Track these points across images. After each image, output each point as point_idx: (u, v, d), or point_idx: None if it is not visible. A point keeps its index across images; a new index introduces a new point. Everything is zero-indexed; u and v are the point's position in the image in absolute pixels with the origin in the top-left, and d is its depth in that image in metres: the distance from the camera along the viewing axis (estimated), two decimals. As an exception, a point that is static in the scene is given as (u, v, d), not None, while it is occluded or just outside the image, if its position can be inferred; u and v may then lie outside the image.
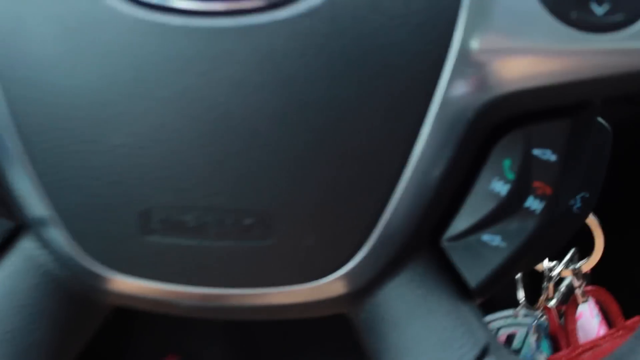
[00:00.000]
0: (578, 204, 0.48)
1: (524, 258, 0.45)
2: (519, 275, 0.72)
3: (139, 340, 0.79)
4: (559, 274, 0.67)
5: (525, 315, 0.69)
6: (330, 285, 0.43)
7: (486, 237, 0.44)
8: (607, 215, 0.67)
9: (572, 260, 0.68)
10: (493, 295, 0.54)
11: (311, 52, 0.39)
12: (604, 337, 0.65)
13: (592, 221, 0.64)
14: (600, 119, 0.47)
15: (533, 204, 0.44)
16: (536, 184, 0.43)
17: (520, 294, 0.71)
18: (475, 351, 0.43)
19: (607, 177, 0.49)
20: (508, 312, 0.70)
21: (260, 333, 0.80)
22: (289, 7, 0.38)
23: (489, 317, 0.69)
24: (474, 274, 0.44)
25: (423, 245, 0.44)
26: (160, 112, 0.39)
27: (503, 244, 0.44)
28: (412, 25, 0.39)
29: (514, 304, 0.71)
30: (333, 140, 0.40)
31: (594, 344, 0.64)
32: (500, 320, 0.69)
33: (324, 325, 0.53)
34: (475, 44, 0.39)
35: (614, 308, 0.68)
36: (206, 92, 0.39)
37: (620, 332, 0.64)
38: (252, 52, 0.39)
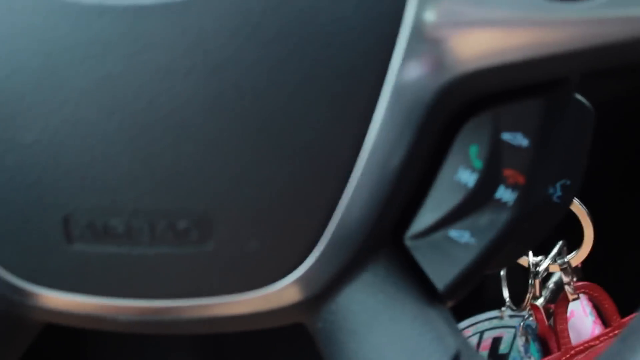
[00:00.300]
0: (558, 192, 0.44)
1: (497, 255, 0.41)
2: (503, 272, 0.68)
3: (97, 352, 0.75)
4: (546, 269, 0.63)
5: (512, 316, 0.65)
6: (281, 292, 0.39)
7: (454, 233, 0.40)
8: (600, 203, 0.63)
9: (560, 254, 0.63)
10: (477, 295, 0.50)
11: (244, 31, 0.34)
12: (598, 337, 0.61)
13: (579, 210, 0.60)
14: (579, 97, 0.43)
15: (504, 194, 0.40)
16: (507, 172, 0.39)
17: (505, 293, 0.67)
18: (445, 360, 0.39)
19: (598, 162, 0.45)
20: (493, 313, 0.66)
21: (228, 341, 0.77)
22: (216, -19, 0.34)
23: (471, 320, 0.65)
24: (441, 275, 0.40)
25: (384, 244, 0.40)
26: (77, 103, 0.35)
27: (473, 241, 0.40)
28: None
29: (500, 303, 0.67)
30: (273, 131, 0.35)
31: (587, 345, 0.59)
32: (485, 323, 0.65)
33: (296, 332, 0.49)
34: (429, 17, 0.35)
35: (609, 305, 0.64)
36: (128, 80, 0.35)
37: (616, 331, 0.59)
38: (178, 33, 0.34)
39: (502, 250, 0.41)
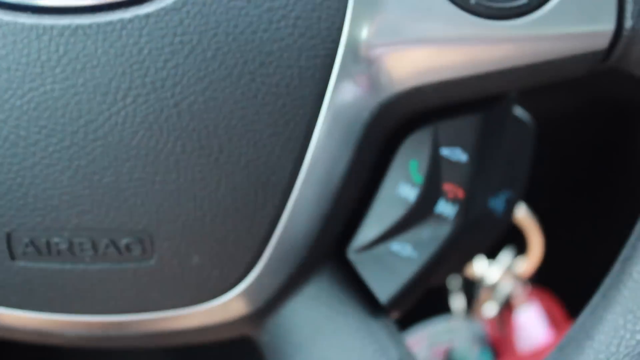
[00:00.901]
0: (500, 205, 0.44)
1: (439, 268, 0.42)
2: (455, 281, 0.68)
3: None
4: (496, 279, 0.64)
5: (463, 325, 0.66)
6: (226, 306, 0.40)
7: (395, 246, 0.41)
8: (553, 212, 0.64)
9: (510, 263, 0.64)
10: (428, 303, 0.50)
11: (181, 50, 0.35)
12: (548, 344, 0.61)
13: (526, 221, 0.61)
14: (518, 112, 0.44)
15: (445, 208, 0.40)
16: (447, 186, 0.40)
17: (457, 302, 0.67)
18: (388, 372, 0.39)
19: (549, 172, 0.45)
20: (443, 322, 0.66)
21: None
22: (153, 2, 0.34)
23: (422, 329, 0.66)
24: (384, 288, 0.41)
25: (327, 258, 0.41)
26: (17, 123, 0.35)
27: (414, 254, 0.41)
28: (294, 18, 0.35)
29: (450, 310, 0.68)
30: (212, 149, 0.36)
31: (536, 353, 0.60)
32: (436, 332, 0.65)
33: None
34: (364, 37, 0.35)
35: (558, 312, 0.65)
36: (67, 100, 0.35)
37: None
38: (116, 52, 0.35)
39: (445, 262, 0.42)
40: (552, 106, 0.62)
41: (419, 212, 0.40)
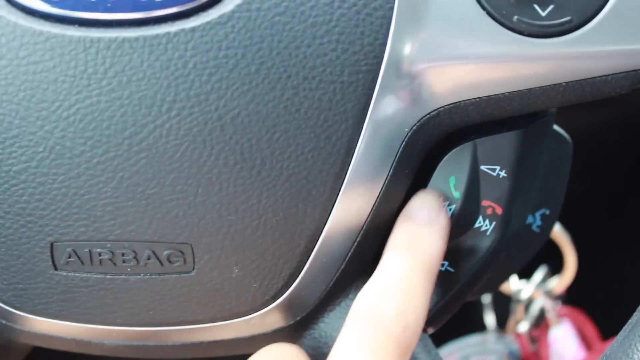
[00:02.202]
0: (538, 222, 0.44)
1: (477, 283, 0.42)
2: (487, 298, 0.68)
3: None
4: (530, 296, 0.64)
5: (496, 342, 0.66)
6: (264, 318, 0.40)
7: None
8: (583, 230, 0.63)
9: (543, 280, 0.64)
10: (461, 319, 0.50)
11: (225, 64, 0.35)
12: (580, 362, 0.61)
13: (562, 238, 0.61)
14: (557, 128, 0.44)
15: (483, 224, 0.40)
16: (485, 203, 0.40)
17: (490, 318, 0.67)
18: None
19: (581, 189, 0.45)
20: (477, 338, 0.66)
21: None
22: (199, 16, 0.35)
23: (456, 345, 0.66)
24: None
25: (365, 272, 0.41)
26: (63, 134, 0.36)
27: (452, 269, 0.41)
28: (337, 34, 0.35)
29: (485, 328, 0.68)
30: (255, 162, 0.36)
31: (569, 370, 0.60)
32: (468, 348, 0.65)
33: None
34: (406, 53, 0.35)
35: (590, 330, 0.64)
36: (112, 112, 0.36)
37: (597, 356, 0.60)
38: (161, 65, 0.35)
39: (482, 278, 0.42)
40: (588, 121, 0.61)
41: (457, 228, 0.40)
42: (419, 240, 0.38)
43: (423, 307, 0.36)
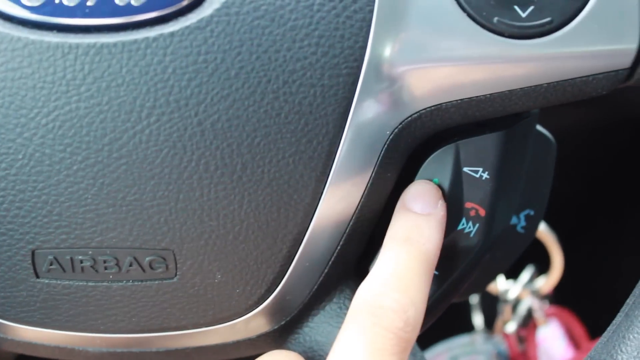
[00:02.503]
0: (522, 222, 0.44)
1: (462, 285, 0.41)
2: (475, 298, 0.68)
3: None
4: (517, 296, 0.64)
5: (485, 342, 0.65)
6: (248, 324, 0.40)
7: None
8: (570, 229, 0.63)
9: (530, 280, 0.64)
10: (449, 320, 0.50)
11: (205, 69, 0.35)
12: (568, 361, 0.61)
13: (548, 238, 0.61)
14: (540, 129, 0.44)
15: (467, 226, 0.40)
16: (469, 204, 0.40)
17: (478, 319, 0.67)
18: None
19: (567, 186, 0.45)
20: (465, 338, 0.66)
21: None
22: (178, 21, 0.35)
23: (444, 345, 0.66)
24: None
25: (349, 275, 0.41)
26: (42, 141, 0.36)
27: (437, 272, 0.40)
28: (317, 37, 0.35)
29: (472, 328, 0.68)
30: (236, 167, 0.36)
31: (557, 370, 0.60)
32: (457, 349, 0.65)
33: None
34: (387, 55, 0.35)
35: (578, 329, 0.64)
36: (91, 118, 0.35)
37: (585, 354, 0.60)
38: (139, 71, 0.35)
39: (467, 280, 0.42)
40: (573, 122, 0.61)
41: (440, 230, 0.40)
42: (416, 233, 0.38)
43: (422, 301, 0.36)
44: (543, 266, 0.63)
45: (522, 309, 0.64)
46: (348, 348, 0.35)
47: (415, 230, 0.38)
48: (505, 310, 0.64)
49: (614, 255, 0.75)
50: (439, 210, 0.38)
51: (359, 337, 0.35)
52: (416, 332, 0.36)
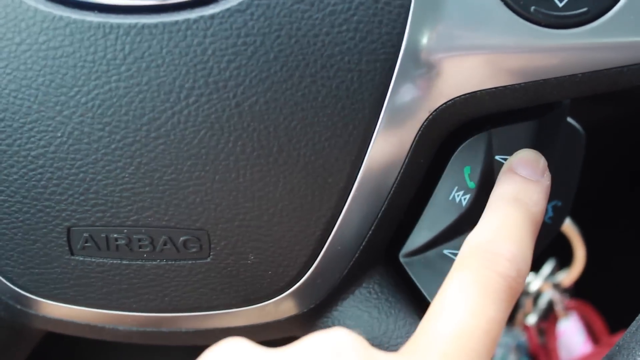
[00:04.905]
0: (550, 213, 0.45)
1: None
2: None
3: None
4: (538, 289, 0.64)
5: (504, 334, 0.66)
6: (278, 306, 0.40)
7: (447, 251, 0.41)
8: (592, 223, 0.63)
9: (552, 273, 0.64)
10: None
11: (244, 52, 0.35)
12: (587, 355, 0.61)
13: (571, 231, 0.61)
14: (571, 121, 0.44)
15: None
16: None
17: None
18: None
19: (591, 182, 0.45)
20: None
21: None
22: (218, 3, 0.35)
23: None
24: (435, 292, 0.40)
25: (379, 261, 0.41)
26: (81, 119, 0.36)
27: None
28: (355, 22, 0.35)
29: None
30: (272, 149, 0.36)
31: (577, 363, 0.60)
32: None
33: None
34: (424, 42, 0.36)
35: (598, 323, 0.64)
36: (131, 98, 0.36)
37: (605, 349, 0.60)
38: (180, 52, 0.35)
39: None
40: (602, 117, 0.61)
41: (471, 218, 0.40)
42: (526, 195, 0.37)
43: (530, 260, 0.36)
44: (564, 259, 0.64)
45: (542, 302, 0.64)
46: (459, 288, 0.34)
47: (524, 192, 0.37)
48: (526, 302, 0.64)
49: (636, 251, 0.75)
50: (545, 179, 0.38)
51: (471, 277, 0.34)
52: (522, 288, 0.35)
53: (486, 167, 0.39)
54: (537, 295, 0.65)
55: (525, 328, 0.66)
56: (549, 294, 0.64)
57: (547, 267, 0.65)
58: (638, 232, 0.76)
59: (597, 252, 0.64)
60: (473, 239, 0.36)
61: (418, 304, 0.41)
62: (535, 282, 0.64)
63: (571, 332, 0.64)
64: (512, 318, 0.67)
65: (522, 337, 0.65)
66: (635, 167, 0.74)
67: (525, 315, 0.65)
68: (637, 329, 0.37)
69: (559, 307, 0.64)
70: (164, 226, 0.38)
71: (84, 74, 0.36)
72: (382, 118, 0.36)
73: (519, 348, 0.65)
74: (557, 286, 0.64)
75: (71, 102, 0.36)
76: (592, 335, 0.65)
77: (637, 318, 0.37)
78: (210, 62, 0.35)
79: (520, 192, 0.37)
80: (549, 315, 0.65)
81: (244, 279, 0.39)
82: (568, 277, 0.63)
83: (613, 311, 0.62)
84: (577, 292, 0.66)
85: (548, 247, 0.46)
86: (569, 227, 0.61)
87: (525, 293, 0.65)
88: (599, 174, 0.69)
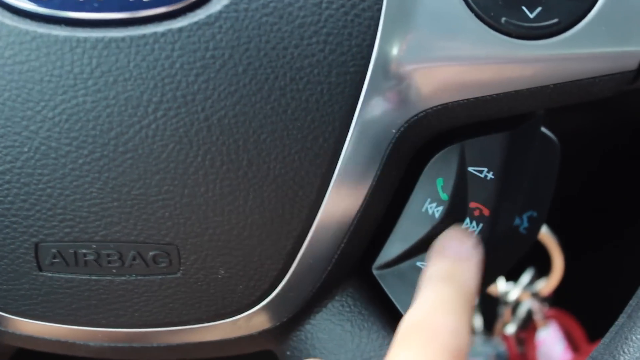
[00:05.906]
0: (525, 224, 0.44)
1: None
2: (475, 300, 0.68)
3: None
4: (517, 298, 0.64)
5: (484, 344, 0.65)
6: (250, 320, 0.40)
7: (420, 263, 0.40)
8: (571, 232, 0.64)
9: (530, 283, 0.64)
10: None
11: (212, 65, 0.35)
12: (566, 364, 0.61)
13: (549, 240, 0.61)
14: (545, 131, 0.44)
15: (470, 226, 0.40)
16: (473, 204, 0.40)
17: (477, 320, 0.67)
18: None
19: (568, 191, 0.45)
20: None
21: None
22: (186, 16, 0.35)
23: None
24: (408, 304, 0.40)
25: (352, 273, 0.41)
26: (48, 134, 0.36)
27: (439, 271, 0.40)
28: (325, 35, 0.35)
29: (471, 329, 0.68)
30: (242, 163, 0.36)
31: (556, 372, 0.60)
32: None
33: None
34: (394, 54, 0.35)
35: (577, 332, 0.64)
36: (98, 112, 0.35)
37: (584, 357, 0.60)
38: (147, 65, 0.35)
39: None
40: (576, 124, 0.62)
41: (444, 229, 0.40)
42: (458, 273, 0.38)
43: (469, 335, 0.36)
44: (543, 268, 0.64)
45: (521, 311, 0.64)
46: None
47: (458, 270, 0.38)
48: (505, 312, 0.64)
49: (614, 259, 0.75)
50: (477, 254, 0.39)
51: (415, 355, 0.34)
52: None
53: (459, 179, 0.39)
54: (516, 304, 0.65)
55: (505, 337, 0.66)
56: (528, 303, 0.64)
57: (526, 277, 0.65)
58: (616, 239, 0.76)
59: (577, 260, 0.64)
60: (411, 317, 0.36)
61: (391, 317, 0.41)
62: (514, 292, 0.64)
63: (550, 341, 0.64)
64: (491, 327, 0.67)
65: (502, 347, 0.65)
66: (613, 174, 0.75)
67: (505, 324, 0.65)
68: (610, 340, 0.37)
69: (538, 316, 0.64)
70: (132, 241, 0.37)
71: (51, 88, 0.35)
72: (353, 131, 0.36)
73: (499, 357, 0.65)
74: (536, 295, 0.64)
75: (38, 116, 0.35)
76: (572, 343, 0.65)
77: (610, 330, 0.37)
78: (179, 76, 0.35)
79: (451, 270, 0.38)
80: (528, 325, 0.65)
81: (215, 293, 0.38)
82: (547, 286, 0.63)
83: (593, 319, 0.62)
84: (556, 300, 0.66)
85: (526, 257, 0.46)
86: (546, 236, 0.61)
87: (504, 302, 0.65)
88: (576, 181, 0.69)
